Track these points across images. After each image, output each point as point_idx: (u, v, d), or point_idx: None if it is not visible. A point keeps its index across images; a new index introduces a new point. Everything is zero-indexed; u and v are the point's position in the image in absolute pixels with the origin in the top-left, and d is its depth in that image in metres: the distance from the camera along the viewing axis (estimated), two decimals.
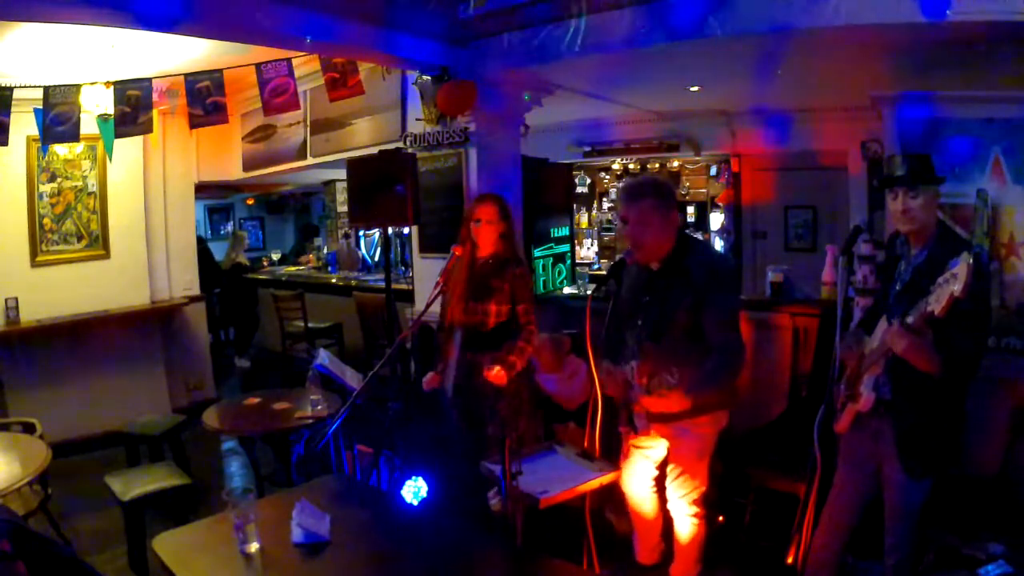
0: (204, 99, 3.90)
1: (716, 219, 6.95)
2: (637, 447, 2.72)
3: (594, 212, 7.83)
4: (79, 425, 4.82)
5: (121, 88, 3.87)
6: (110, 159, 4.76)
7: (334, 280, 7.31)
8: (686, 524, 2.61)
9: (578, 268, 6.08)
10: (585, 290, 5.30)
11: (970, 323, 1.91)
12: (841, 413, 2.24)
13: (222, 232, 11.36)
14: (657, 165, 7.17)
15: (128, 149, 5.10)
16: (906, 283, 2.13)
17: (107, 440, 4.59)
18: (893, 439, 2.09)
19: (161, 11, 2.83)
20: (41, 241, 4.91)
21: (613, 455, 2.74)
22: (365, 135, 5.19)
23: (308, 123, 5.73)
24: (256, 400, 3.71)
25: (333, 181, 8.87)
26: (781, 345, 3.60)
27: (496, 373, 2.89)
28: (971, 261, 1.65)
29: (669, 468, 2.62)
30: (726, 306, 2.44)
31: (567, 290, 5.26)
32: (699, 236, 6.73)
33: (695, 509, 2.58)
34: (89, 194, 5.11)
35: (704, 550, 2.66)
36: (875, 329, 2.16)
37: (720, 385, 2.44)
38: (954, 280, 1.67)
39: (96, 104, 3.92)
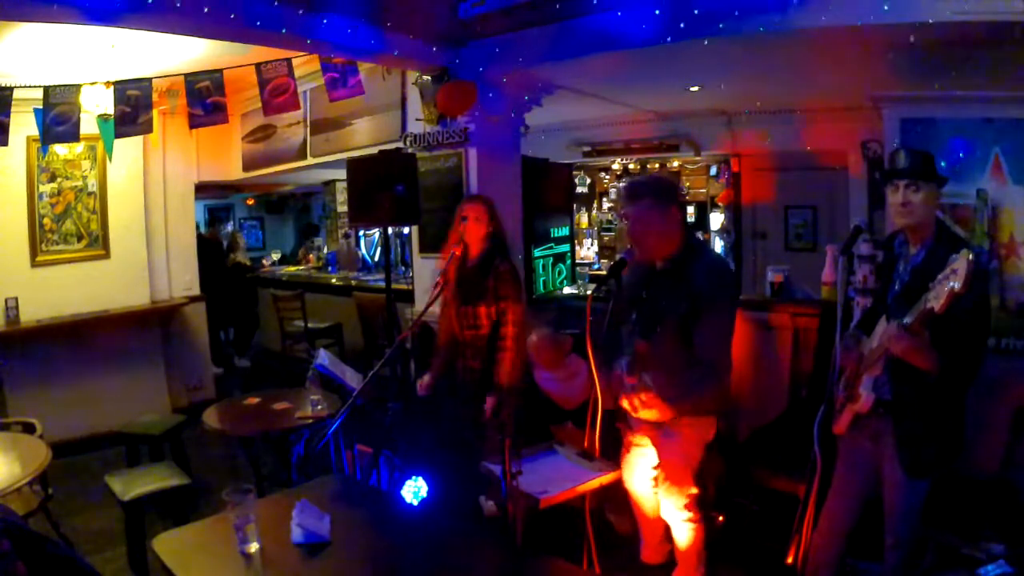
0: (204, 99, 3.89)
1: (716, 219, 6.95)
2: (635, 444, 2.72)
3: (594, 212, 7.83)
4: (79, 425, 4.82)
5: (121, 88, 3.87)
6: (110, 159, 4.76)
7: (334, 280, 7.31)
8: (682, 530, 2.61)
9: (578, 268, 6.08)
10: (585, 290, 5.30)
11: (971, 325, 1.91)
12: (840, 414, 2.24)
13: (222, 232, 11.36)
14: (657, 165, 7.16)
15: (128, 149, 5.10)
16: (905, 283, 2.13)
17: (107, 440, 4.58)
18: (893, 439, 2.09)
19: (163, 11, 2.84)
20: (41, 241, 4.92)
21: (613, 455, 2.74)
22: (365, 135, 5.19)
23: (308, 123, 5.73)
24: (256, 400, 3.71)
25: (333, 181, 8.87)
26: (781, 345, 3.59)
27: (489, 405, 2.96)
28: (971, 257, 1.65)
29: (658, 472, 2.63)
30: (721, 323, 2.43)
31: (567, 290, 5.26)
32: (703, 238, 6.74)
33: (688, 514, 2.57)
34: (89, 194, 5.11)
35: (706, 554, 2.65)
36: (874, 330, 2.16)
37: (699, 397, 2.44)
38: (954, 276, 1.66)
39: (96, 104, 3.92)
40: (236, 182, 7.03)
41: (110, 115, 3.92)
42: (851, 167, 5.35)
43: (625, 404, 2.55)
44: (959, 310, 1.73)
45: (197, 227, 6.33)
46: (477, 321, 3.03)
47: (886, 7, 2.66)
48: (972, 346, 1.96)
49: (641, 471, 2.73)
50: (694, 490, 2.57)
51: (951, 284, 1.67)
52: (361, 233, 8.42)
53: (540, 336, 3.49)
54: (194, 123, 3.98)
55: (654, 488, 2.72)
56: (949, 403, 2.06)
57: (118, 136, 3.99)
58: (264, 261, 9.69)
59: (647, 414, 2.51)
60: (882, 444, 2.14)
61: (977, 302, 1.90)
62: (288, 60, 3.86)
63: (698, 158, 6.79)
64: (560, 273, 5.31)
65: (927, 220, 2.09)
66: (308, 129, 5.75)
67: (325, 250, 9.03)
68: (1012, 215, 3.03)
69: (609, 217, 7.64)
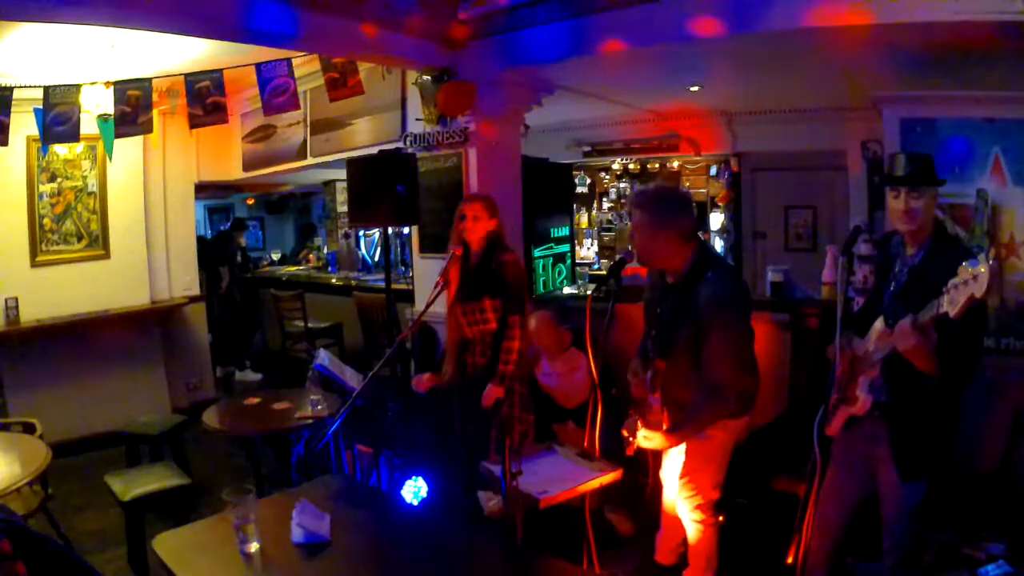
0: (204, 99, 3.89)
1: (716, 219, 6.96)
2: None
3: (594, 212, 7.83)
4: (79, 425, 4.82)
5: (121, 88, 3.87)
6: (110, 159, 4.76)
7: (334, 280, 7.31)
8: (692, 529, 2.62)
9: (578, 268, 6.08)
10: (585, 290, 5.30)
11: (969, 328, 1.90)
12: (832, 416, 2.22)
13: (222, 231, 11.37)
14: (657, 165, 7.17)
15: (128, 149, 5.09)
16: (902, 284, 2.12)
17: (107, 440, 4.59)
18: (888, 442, 2.09)
19: (161, 11, 2.84)
20: (41, 241, 4.91)
21: (613, 455, 2.74)
22: (365, 135, 5.18)
23: (308, 123, 5.73)
24: (256, 400, 3.71)
25: (333, 181, 8.86)
26: (781, 345, 3.59)
27: (489, 393, 2.95)
28: (991, 262, 1.64)
29: (680, 470, 2.63)
30: (725, 344, 2.34)
31: (567, 290, 5.26)
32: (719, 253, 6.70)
33: (700, 515, 2.57)
34: (89, 194, 5.11)
35: (716, 559, 2.64)
36: (868, 331, 2.15)
37: (702, 422, 2.41)
38: (974, 283, 1.63)
39: (96, 104, 3.91)
40: (236, 182, 7.02)
41: (110, 115, 3.91)
42: (851, 167, 5.35)
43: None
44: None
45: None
46: (484, 315, 3.03)
47: (887, 7, 2.67)
48: (970, 349, 1.96)
49: (676, 471, 2.73)
50: (710, 495, 2.55)
51: (971, 290, 1.64)
52: (361, 233, 8.41)
53: (541, 319, 3.50)
54: (194, 123, 3.98)
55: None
56: (944, 405, 2.05)
57: (118, 136, 3.99)
58: (263, 261, 9.69)
59: (648, 443, 2.46)
60: (877, 446, 2.13)
61: (977, 306, 1.89)
62: (288, 60, 3.86)
63: (698, 158, 6.79)
64: (560, 273, 5.31)
65: (928, 223, 2.08)
66: (308, 129, 5.75)
67: (325, 250, 9.03)
68: (1012, 215, 3.03)
69: (609, 217, 7.64)
